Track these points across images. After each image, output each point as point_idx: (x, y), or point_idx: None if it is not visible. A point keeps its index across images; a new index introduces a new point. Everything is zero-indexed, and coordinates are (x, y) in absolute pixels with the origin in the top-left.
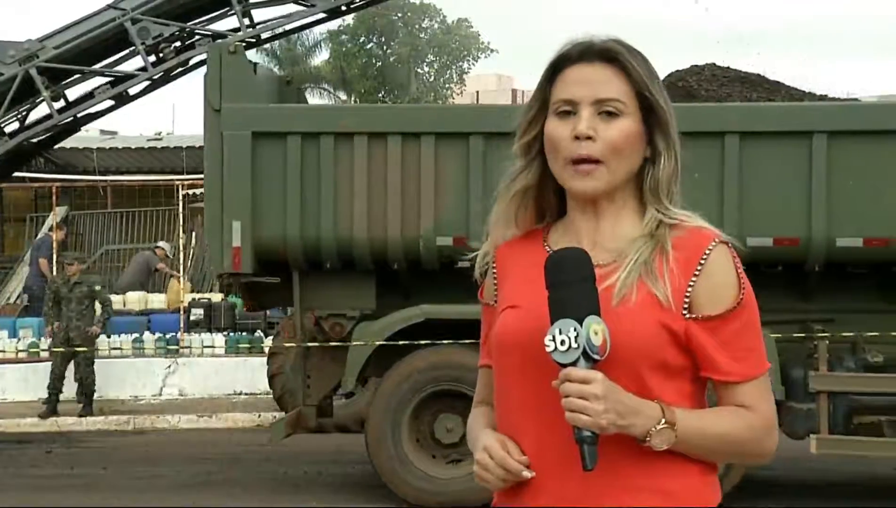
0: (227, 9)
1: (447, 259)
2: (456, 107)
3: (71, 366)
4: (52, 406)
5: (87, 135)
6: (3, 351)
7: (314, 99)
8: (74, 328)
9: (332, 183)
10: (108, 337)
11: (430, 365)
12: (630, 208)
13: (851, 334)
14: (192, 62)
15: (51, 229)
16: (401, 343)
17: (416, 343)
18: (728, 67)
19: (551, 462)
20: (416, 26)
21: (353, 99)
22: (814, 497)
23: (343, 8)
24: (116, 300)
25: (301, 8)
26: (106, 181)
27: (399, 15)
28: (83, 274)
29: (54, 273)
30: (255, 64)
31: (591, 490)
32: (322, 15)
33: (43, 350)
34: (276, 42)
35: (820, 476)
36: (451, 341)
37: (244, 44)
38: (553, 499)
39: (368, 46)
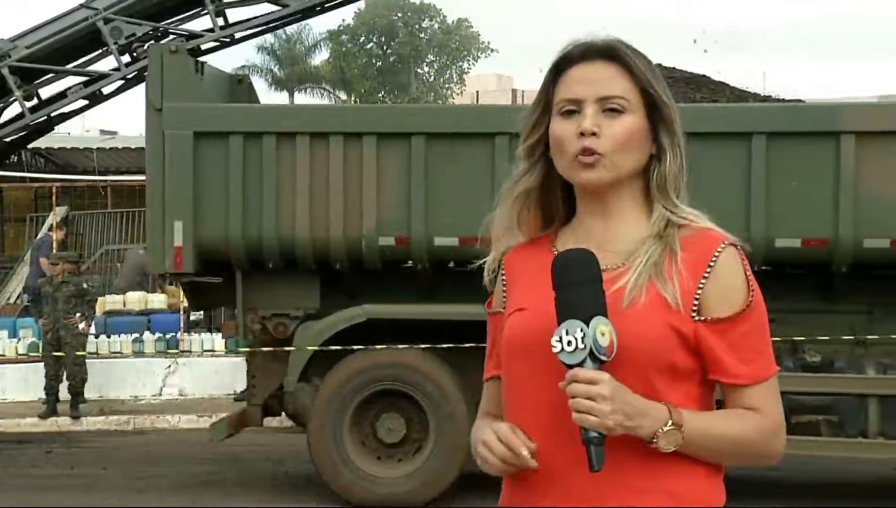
0: (201, 8)
1: (389, 259)
2: (397, 107)
3: None
4: (51, 406)
5: (87, 136)
6: (3, 354)
7: (314, 99)
8: (63, 327)
9: (275, 183)
10: (108, 337)
11: (373, 365)
12: (638, 207)
13: (791, 334)
14: None
15: (51, 229)
16: (336, 348)
17: (354, 347)
18: (673, 68)
19: (558, 463)
20: (417, 26)
21: (353, 99)
22: (814, 497)
23: (318, 8)
24: (116, 300)
25: (275, 8)
26: (106, 181)
27: (399, 15)
28: (83, 274)
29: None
30: (203, 63)
31: (597, 490)
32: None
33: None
34: (276, 42)
35: (820, 476)
36: (392, 341)
37: (219, 43)
38: (559, 500)
39: (368, 46)
